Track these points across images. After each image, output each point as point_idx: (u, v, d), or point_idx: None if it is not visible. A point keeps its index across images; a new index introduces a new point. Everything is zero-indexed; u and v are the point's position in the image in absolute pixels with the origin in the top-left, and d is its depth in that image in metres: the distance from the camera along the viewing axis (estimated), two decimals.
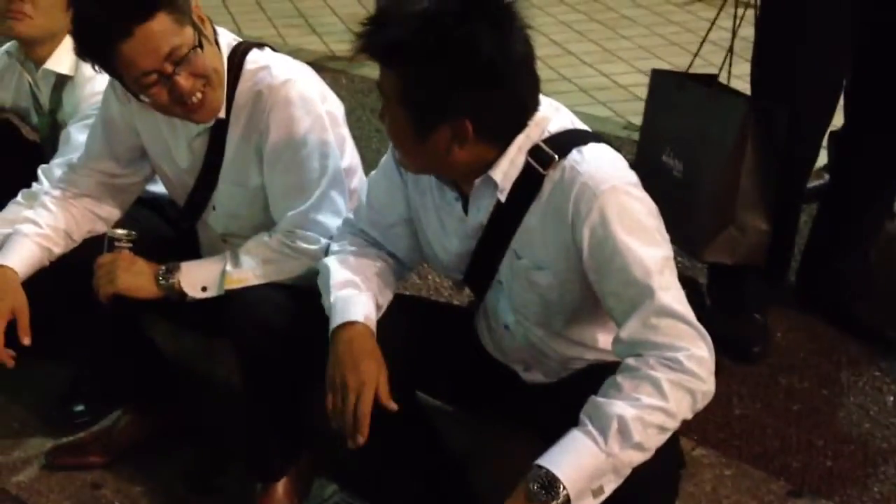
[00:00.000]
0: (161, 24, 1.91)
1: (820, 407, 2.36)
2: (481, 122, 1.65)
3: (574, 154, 1.69)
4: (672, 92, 2.50)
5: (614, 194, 1.65)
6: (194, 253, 2.29)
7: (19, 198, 2.35)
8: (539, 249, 1.76)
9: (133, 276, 2.08)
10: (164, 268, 2.09)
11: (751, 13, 2.49)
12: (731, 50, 2.49)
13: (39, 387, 2.61)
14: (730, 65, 2.51)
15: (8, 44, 2.66)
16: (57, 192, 2.26)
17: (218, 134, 2.12)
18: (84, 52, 1.99)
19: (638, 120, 4.12)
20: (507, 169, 1.72)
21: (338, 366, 1.77)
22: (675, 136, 2.47)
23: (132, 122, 2.22)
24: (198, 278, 2.08)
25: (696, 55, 2.62)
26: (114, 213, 2.29)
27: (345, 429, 1.77)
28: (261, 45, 2.15)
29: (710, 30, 2.58)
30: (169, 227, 2.42)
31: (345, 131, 2.18)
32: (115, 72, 1.99)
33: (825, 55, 2.33)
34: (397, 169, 1.91)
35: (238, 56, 2.10)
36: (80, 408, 2.54)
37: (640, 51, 5.03)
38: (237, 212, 2.20)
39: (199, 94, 1.99)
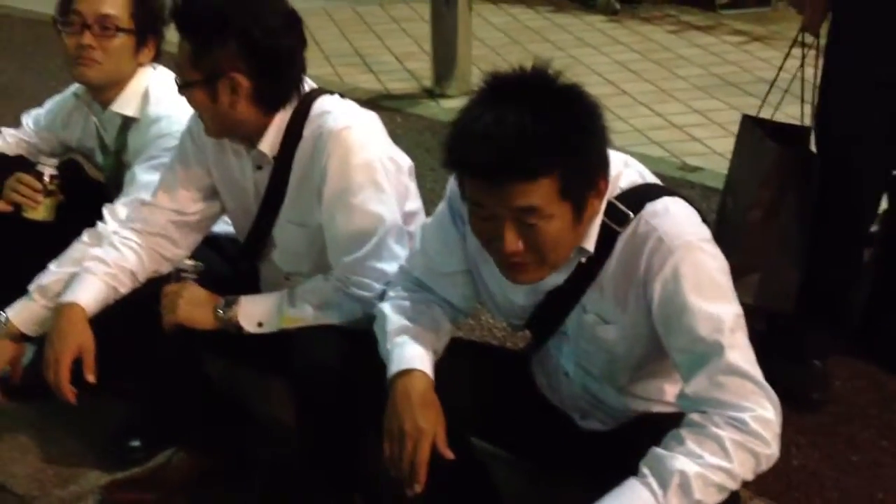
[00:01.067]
0: None
1: (881, 459, 2.33)
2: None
3: (648, 209, 1.69)
4: (746, 136, 2.53)
5: (688, 250, 1.64)
6: (254, 291, 2.31)
7: (84, 237, 2.39)
8: (608, 304, 1.75)
9: (193, 307, 2.13)
10: (224, 300, 2.13)
11: (812, 53, 2.49)
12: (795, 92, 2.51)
13: (97, 421, 2.62)
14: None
15: (75, 86, 2.71)
16: (126, 232, 2.30)
17: (280, 171, 2.15)
18: None
19: (692, 161, 4.14)
20: (592, 234, 1.71)
21: (396, 414, 1.78)
22: (735, 178, 2.48)
23: (205, 161, 2.27)
24: (255, 313, 2.11)
25: (765, 98, 2.62)
26: (179, 254, 2.32)
27: (402, 477, 1.78)
28: (332, 92, 2.18)
29: (778, 73, 2.58)
30: (228, 266, 2.45)
31: (406, 180, 2.19)
32: None
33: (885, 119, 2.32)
34: (454, 221, 1.90)
35: (307, 99, 2.13)
36: (135, 443, 2.54)
37: (695, 91, 5.03)
38: (297, 250, 2.22)
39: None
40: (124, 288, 2.27)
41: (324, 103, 2.14)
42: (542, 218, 1.61)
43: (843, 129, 2.36)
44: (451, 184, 1.84)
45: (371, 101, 2.21)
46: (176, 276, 2.20)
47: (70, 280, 2.28)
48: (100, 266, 2.24)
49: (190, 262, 2.21)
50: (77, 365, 2.16)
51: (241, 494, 2.41)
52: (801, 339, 2.52)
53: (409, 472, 1.76)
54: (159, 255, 2.30)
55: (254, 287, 2.35)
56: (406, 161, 2.21)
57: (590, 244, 1.71)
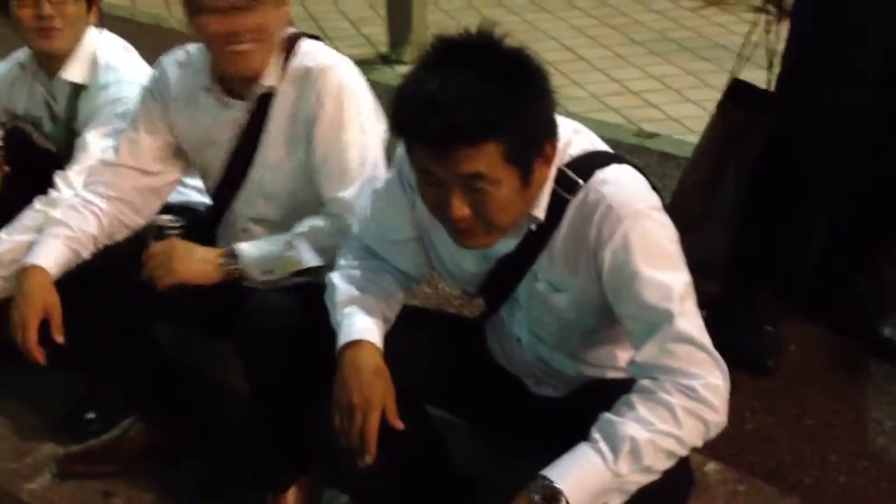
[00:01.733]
0: None
1: (833, 421, 2.37)
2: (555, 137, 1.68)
3: (597, 176, 1.69)
4: None
5: (637, 218, 1.65)
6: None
7: (36, 204, 2.37)
8: (558, 272, 1.76)
9: (195, 264, 2.10)
10: (223, 252, 2.11)
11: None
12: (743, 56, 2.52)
13: (52, 395, 2.62)
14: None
15: (18, 54, 2.68)
16: (89, 195, 2.27)
17: (262, 108, 2.15)
18: None
19: (649, 126, 4.16)
20: (542, 201, 1.71)
21: (344, 386, 1.78)
22: None
23: (167, 119, 2.25)
24: (261, 262, 2.09)
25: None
26: (137, 221, 2.30)
27: (353, 448, 1.79)
28: (313, 37, 2.21)
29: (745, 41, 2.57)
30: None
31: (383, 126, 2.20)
32: None
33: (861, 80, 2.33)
34: (403, 188, 1.89)
35: (291, 39, 2.15)
36: (91, 416, 2.55)
37: (652, 56, 5.04)
38: (272, 191, 2.22)
39: (249, 46, 2.04)
40: (86, 252, 2.25)
41: (308, 43, 2.17)
42: (488, 183, 1.61)
43: (809, 98, 2.37)
44: (400, 150, 1.82)
45: None
46: (158, 234, 2.14)
47: (25, 247, 2.26)
48: (62, 230, 2.22)
49: (168, 217, 2.16)
50: (43, 327, 2.14)
51: (197, 465, 2.41)
52: (754, 306, 2.55)
53: (359, 443, 1.77)
54: (119, 222, 2.28)
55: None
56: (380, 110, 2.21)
57: (540, 211, 1.71)
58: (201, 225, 2.39)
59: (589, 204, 1.68)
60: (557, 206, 1.71)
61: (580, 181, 1.69)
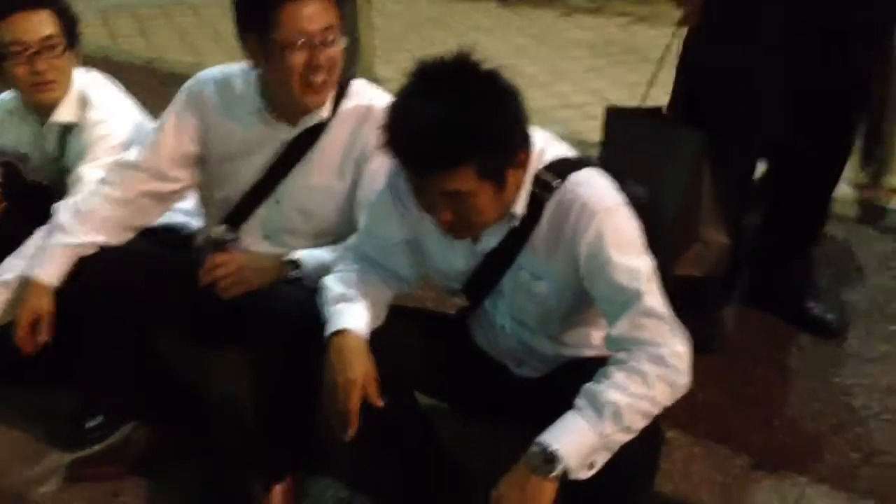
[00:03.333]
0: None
1: (773, 390, 2.60)
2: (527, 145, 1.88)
3: (572, 178, 1.91)
4: (626, 127, 2.65)
5: (608, 213, 1.88)
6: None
7: (38, 234, 2.46)
8: (539, 262, 1.97)
9: (263, 274, 2.25)
10: (285, 261, 2.26)
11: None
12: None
13: (54, 406, 2.73)
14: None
15: (3, 98, 2.77)
16: (95, 201, 2.40)
17: (312, 134, 2.31)
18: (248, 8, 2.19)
19: (589, 136, 4.37)
20: (521, 200, 1.92)
21: (330, 368, 1.96)
22: (635, 165, 2.51)
23: (199, 132, 2.38)
24: (319, 270, 2.21)
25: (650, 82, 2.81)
26: (138, 228, 2.43)
27: (335, 424, 1.96)
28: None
29: (661, 59, 2.77)
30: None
31: None
32: (267, 31, 2.16)
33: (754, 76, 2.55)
34: (394, 199, 2.08)
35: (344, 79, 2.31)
36: (93, 423, 2.62)
37: (587, 72, 5.25)
38: (311, 209, 2.37)
39: (324, 78, 2.20)
40: (89, 250, 2.37)
41: (359, 84, 2.35)
42: (466, 196, 1.83)
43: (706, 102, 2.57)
44: (393, 166, 2.01)
45: None
46: (218, 245, 2.27)
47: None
48: (66, 238, 2.36)
49: (222, 228, 2.28)
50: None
51: (199, 464, 2.53)
52: (701, 295, 2.77)
53: (341, 420, 1.95)
54: (121, 228, 2.41)
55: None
56: None
57: (519, 209, 1.92)
58: (183, 246, 2.55)
59: (565, 203, 1.90)
60: (537, 205, 1.92)
61: (555, 183, 1.91)
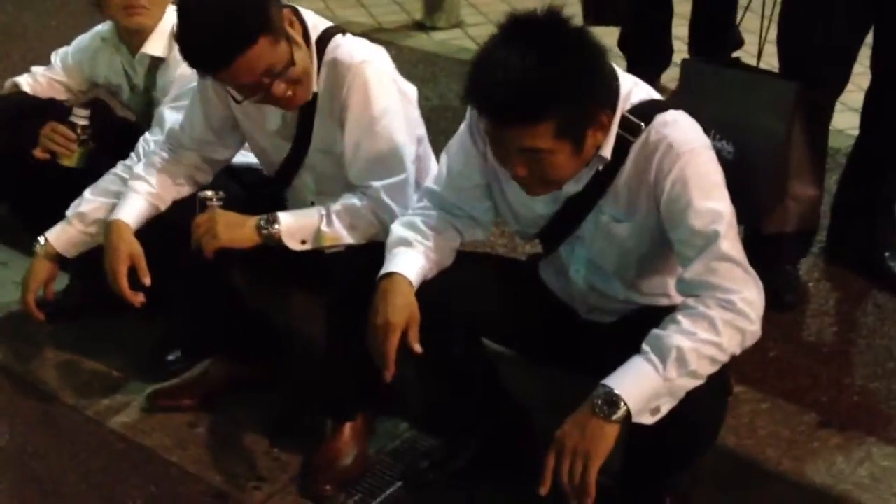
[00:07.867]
0: (260, 48, 2.11)
1: (847, 349, 2.57)
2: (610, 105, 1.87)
3: (658, 119, 1.90)
4: (708, 79, 2.56)
5: (693, 155, 1.87)
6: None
7: (118, 169, 2.59)
8: (622, 204, 1.97)
9: (234, 229, 2.26)
10: (263, 218, 2.28)
11: None
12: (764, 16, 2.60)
13: (137, 340, 2.86)
14: (768, 29, 2.60)
15: (100, 28, 2.86)
16: (165, 155, 2.49)
17: (307, 108, 2.34)
18: (191, 66, 2.21)
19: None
20: (609, 143, 1.91)
21: (374, 310, 2.00)
22: (719, 120, 2.42)
23: (226, 99, 2.42)
24: (297, 231, 2.27)
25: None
26: (190, 190, 2.51)
27: (377, 365, 2.01)
28: (343, 31, 2.36)
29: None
30: (248, 193, 2.61)
31: (413, 108, 2.39)
32: (217, 80, 2.23)
33: (845, 27, 2.50)
34: (474, 141, 2.09)
35: (324, 42, 2.31)
36: (173, 357, 2.77)
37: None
38: (326, 172, 2.41)
39: (290, 93, 2.22)
40: (163, 206, 2.47)
41: (338, 41, 2.31)
42: (543, 154, 1.83)
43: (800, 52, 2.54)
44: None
45: (364, 35, 2.31)
46: (201, 206, 2.33)
47: (106, 207, 2.50)
48: (144, 186, 2.45)
49: (211, 192, 2.35)
50: (132, 275, 2.38)
51: (271, 398, 2.64)
52: (778, 248, 2.74)
53: (381, 361, 1.99)
54: (191, 182, 2.51)
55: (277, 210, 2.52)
56: (412, 90, 2.40)
57: (607, 152, 1.92)
58: (265, 184, 2.59)
59: (651, 144, 1.89)
60: (622, 148, 1.92)
61: (642, 125, 1.90)
